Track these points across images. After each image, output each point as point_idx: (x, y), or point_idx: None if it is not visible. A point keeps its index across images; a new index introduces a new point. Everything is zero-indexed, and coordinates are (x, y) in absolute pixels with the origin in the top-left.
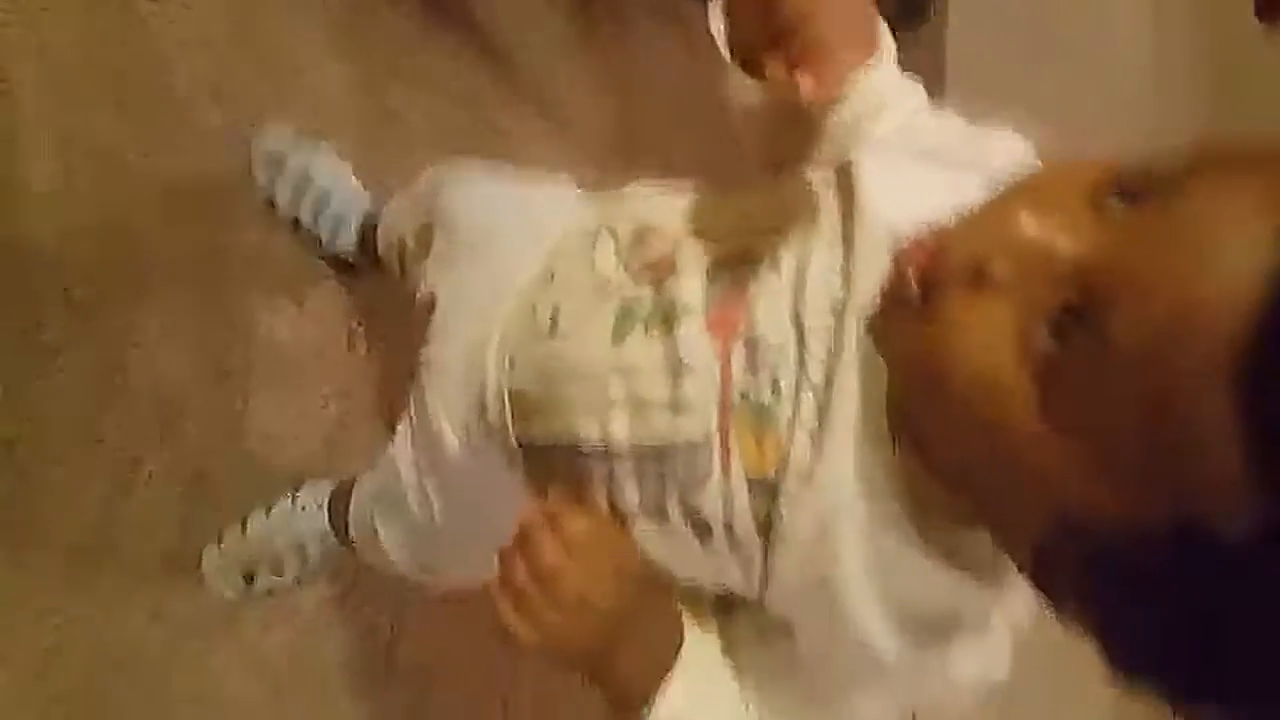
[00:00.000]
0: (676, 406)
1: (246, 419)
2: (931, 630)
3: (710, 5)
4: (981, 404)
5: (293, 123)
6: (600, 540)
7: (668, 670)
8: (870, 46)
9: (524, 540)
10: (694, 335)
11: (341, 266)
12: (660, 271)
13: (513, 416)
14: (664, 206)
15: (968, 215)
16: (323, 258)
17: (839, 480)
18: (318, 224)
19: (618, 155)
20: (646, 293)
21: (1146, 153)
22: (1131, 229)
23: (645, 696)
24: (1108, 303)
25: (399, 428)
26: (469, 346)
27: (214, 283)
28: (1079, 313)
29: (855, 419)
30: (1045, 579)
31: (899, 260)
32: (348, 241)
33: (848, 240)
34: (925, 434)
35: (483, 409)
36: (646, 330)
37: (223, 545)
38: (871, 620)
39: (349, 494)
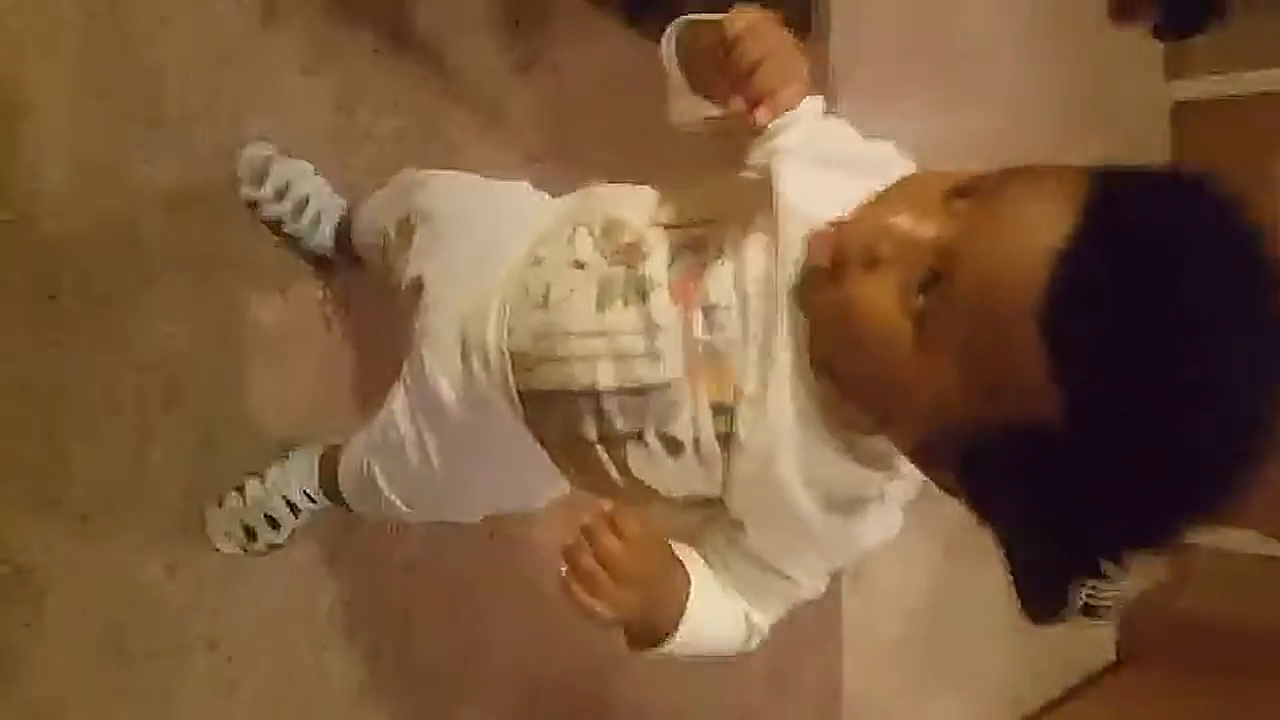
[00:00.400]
0: (653, 356)
1: (242, 393)
2: (847, 506)
3: (664, 46)
4: (878, 344)
5: (274, 136)
6: (644, 532)
7: (685, 606)
8: (802, 86)
9: (590, 536)
10: (663, 303)
11: (319, 262)
12: (631, 256)
13: (514, 371)
14: (625, 203)
15: (860, 211)
16: (302, 255)
17: (779, 404)
18: (298, 225)
19: (553, 161)
20: (620, 272)
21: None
22: (968, 218)
23: (674, 625)
24: (955, 268)
25: (395, 393)
26: (460, 316)
27: (208, 276)
28: (937, 276)
29: (789, 359)
30: (927, 463)
31: (813, 244)
32: (325, 240)
33: (772, 228)
34: (839, 368)
35: (486, 365)
36: (625, 302)
37: (224, 506)
38: (804, 501)
39: (336, 457)
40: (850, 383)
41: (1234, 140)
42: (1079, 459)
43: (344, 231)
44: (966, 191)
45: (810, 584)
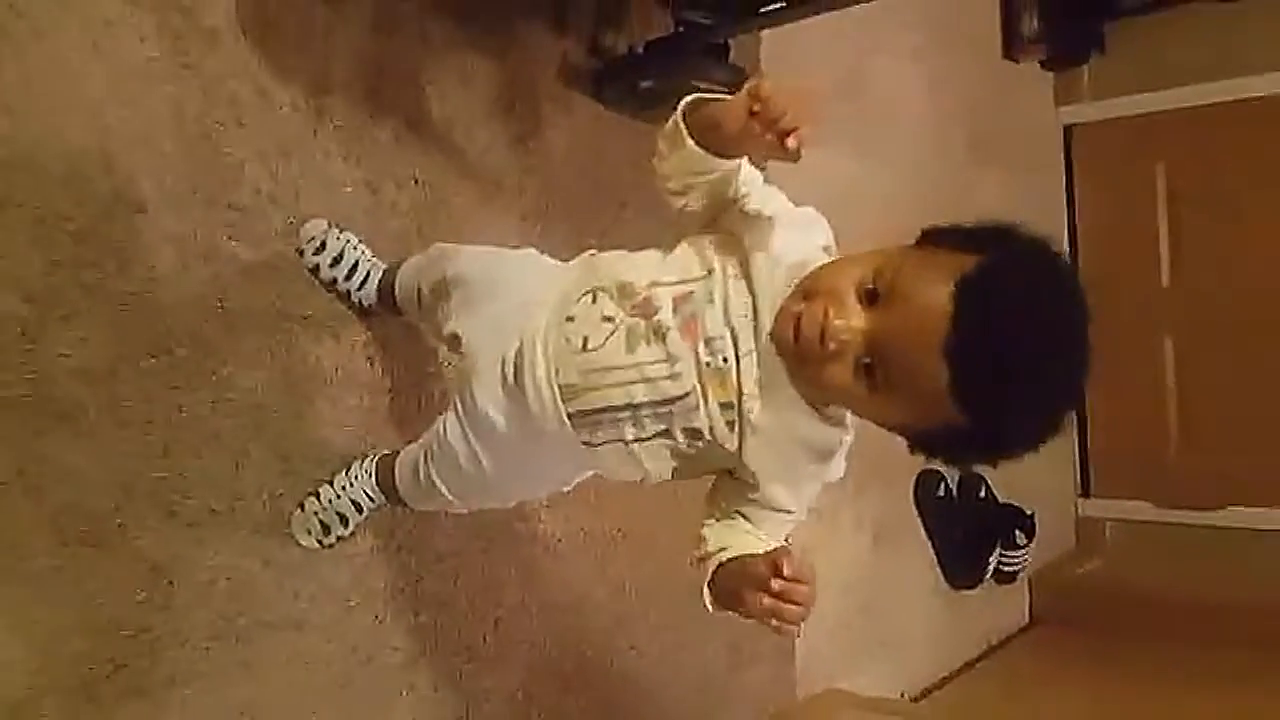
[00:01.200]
0: (674, 377)
1: (309, 419)
2: (822, 456)
3: (673, 120)
4: (845, 398)
5: (324, 213)
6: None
7: None
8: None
9: (787, 590)
10: (676, 340)
11: (364, 313)
12: (646, 310)
13: (563, 400)
14: (628, 268)
15: (808, 303)
16: (350, 307)
17: (774, 394)
18: (348, 284)
19: (541, 219)
20: (640, 322)
21: (881, 254)
22: (879, 316)
23: None
24: (883, 356)
25: (448, 420)
26: (500, 359)
27: (279, 328)
28: (871, 363)
29: (770, 364)
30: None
31: (780, 325)
32: (369, 295)
33: (747, 276)
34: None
35: (539, 397)
36: (647, 343)
37: (304, 509)
38: (797, 457)
39: (389, 464)
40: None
41: (1119, 156)
42: (978, 437)
43: (384, 287)
44: (877, 283)
45: (799, 514)
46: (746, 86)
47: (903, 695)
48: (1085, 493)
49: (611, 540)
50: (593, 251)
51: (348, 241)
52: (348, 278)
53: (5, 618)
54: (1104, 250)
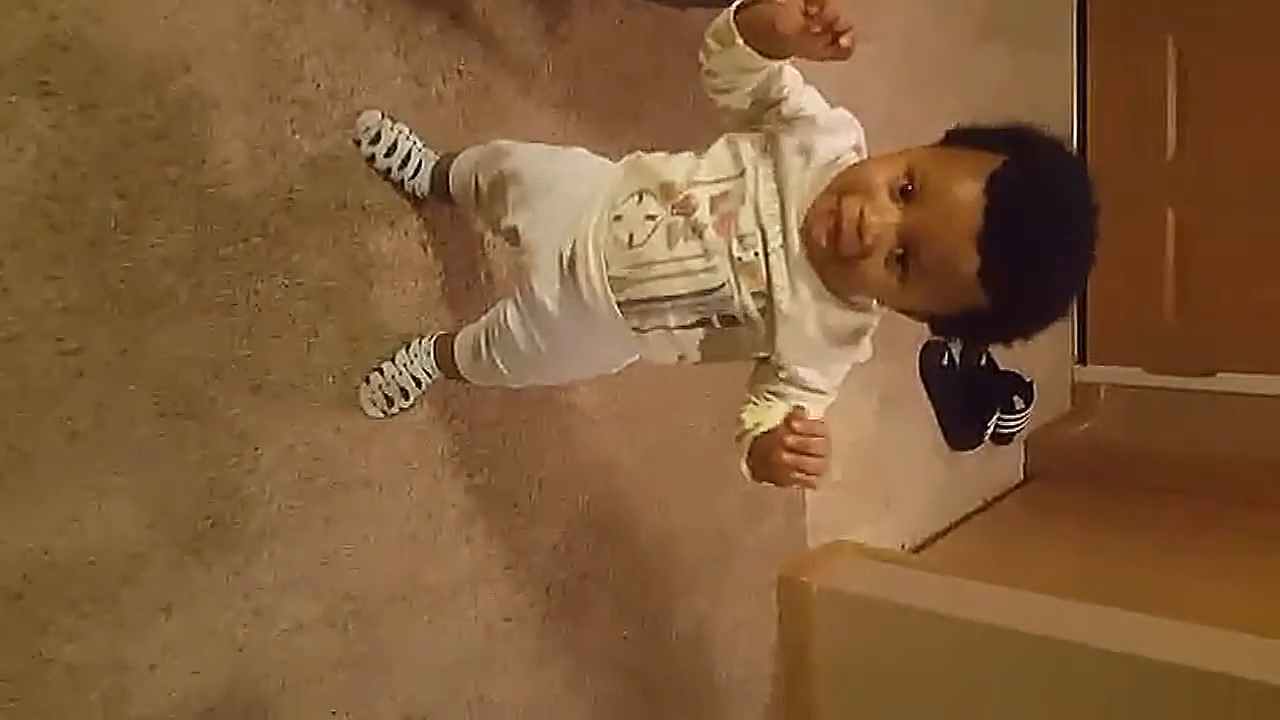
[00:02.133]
0: (710, 270)
1: (371, 302)
2: (850, 338)
3: (723, 17)
4: (877, 289)
5: (378, 105)
6: (824, 424)
7: None
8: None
9: (802, 443)
10: (712, 235)
11: (418, 201)
12: (685, 208)
13: (612, 290)
14: (669, 169)
15: (842, 202)
16: (404, 196)
17: (801, 287)
18: (403, 173)
19: (573, 106)
20: (680, 220)
21: (910, 154)
22: (914, 211)
23: None
24: (916, 248)
25: (506, 307)
26: (556, 252)
27: (341, 216)
28: (905, 249)
29: (798, 257)
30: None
31: (814, 228)
32: (423, 184)
33: (777, 176)
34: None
35: (592, 290)
36: (685, 239)
37: (369, 383)
38: (823, 342)
39: (447, 343)
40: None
41: (1131, 27)
42: (997, 320)
43: (436, 177)
44: (906, 193)
45: (831, 393)
46: None
47: (904, 546)
48: (1082, 359)
49: (640, 410)
50: (638, 153)
51: (400, 132)
52: (401, 167)
53: (121, 479)
54: (1113, 125)
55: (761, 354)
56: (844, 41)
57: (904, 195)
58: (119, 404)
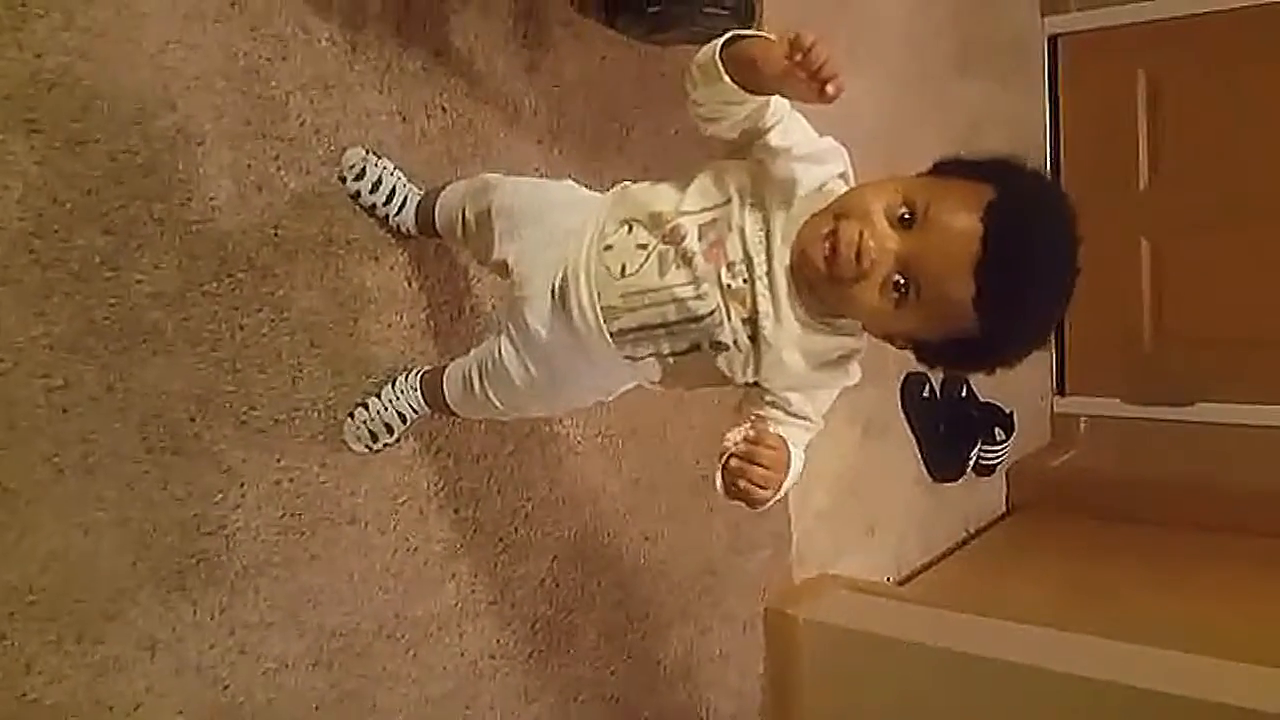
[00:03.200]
0: (700, 297)
1: (357, 335)
2: (836, 363)
3: (710, 51)
4: (869, 316)
5: (362, 141)
6: (779, 446)
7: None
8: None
9: (749, 451)
10: (701, 263)
11: (403, 236)
12: (674, 237)
13: (604, 320)
14: (657, 199)
15: (840, 222)
16: (389, 231)
17: (786, 316)
18: (388, 209)
19: (556, 141)
20: (670, 249)
21: (904, 182)
22: (914, 239)
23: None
24: (916, 276)
25: (500, 340)
26: (548, 284)
27: (327, 252)
28: (903, 280)
29: (785, 286)
30: (889, 341)
31: (810, 253)
32: (407, 219)
33: (762, 204)
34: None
35: (585, 319)
36: (676, 267)
37: (354, 418)
38: (806, 369)
39: (437, 379)
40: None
41: (1102, 65)
42: (983, 348)
43: (421, 212)
44: (906, 219)
45: (820, 421)
46: (787, 37)
47: (889, 579)
48: (1060, 390)
49: (625, 439)
50: (625, 184)
51: (385, 168)
52: (386, 202)
53: (106, 515)
54: (1085, 156)
55: (751, 380)
56: (829, 90)
57: (902, 223)
58: (105, 439)
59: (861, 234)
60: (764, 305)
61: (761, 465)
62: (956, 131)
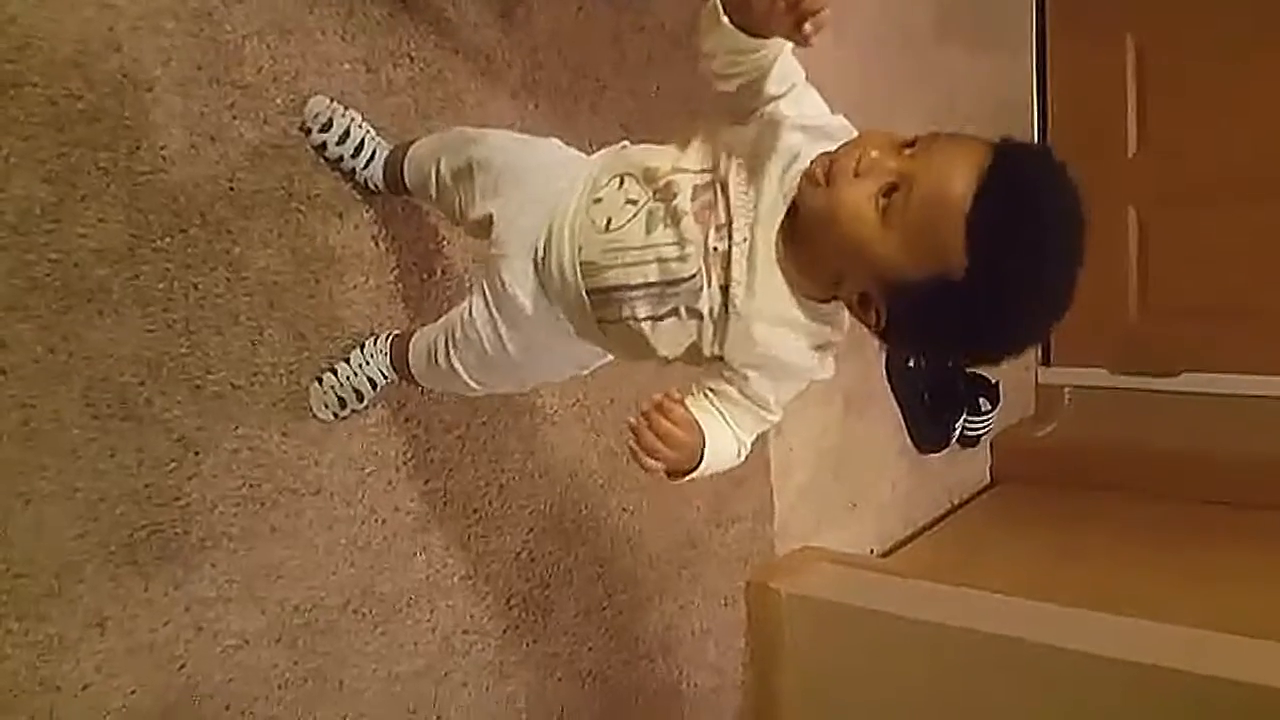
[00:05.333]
0: (683, 259)
1: (321, 296)
2: (805, 351)
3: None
4: (854, 222)
5: (325, 90)
6: (682, 411)
7: (703, 448)
8: (828, 12)
9: (651, 415)
10: (690, 224)
11: (369, 192)
12: (666, 194)
13: (583, 276)
14: (654, 157)
15: (843, 147)
16: (354, 187)
17: (760, 281)
18: (354, 162)
19: (530, 95)
20: (660, 205)
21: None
22: (917, 158)
23: (697, 461)
24: (910, 183)
25: (473, 302)
26: (530, 243)
27: (287, 208)
28: (897, 186)
29: (763, 254)
30: (863, 307)
31: (814, 162)
32: (375, 174)
33: (756, 170)
34: (820, 242)
35: (563, 274)
36: (664, 225)
37: (321, 384)
38: (781, 345)
39: (402, 345)
40: (826, 251)
41: (1090, 27)
42: (967, 301)
43: (390, 166)
44: (912, 143)
45: (778, 412)
46: None
47: (871, 552)
48: (1045, 360)
49: (603, 409)
50: (624, 144)
51: (353, 119)
52: (354, 155)
53: (49, 486)
54: (1072, 122)
55: (717, 353)
56: (806, 28)
57: (908, 145)
58: (47, 405)
59: (866, 151)
60: (737, 272)
61: (654, 432)
62: (939, 98)
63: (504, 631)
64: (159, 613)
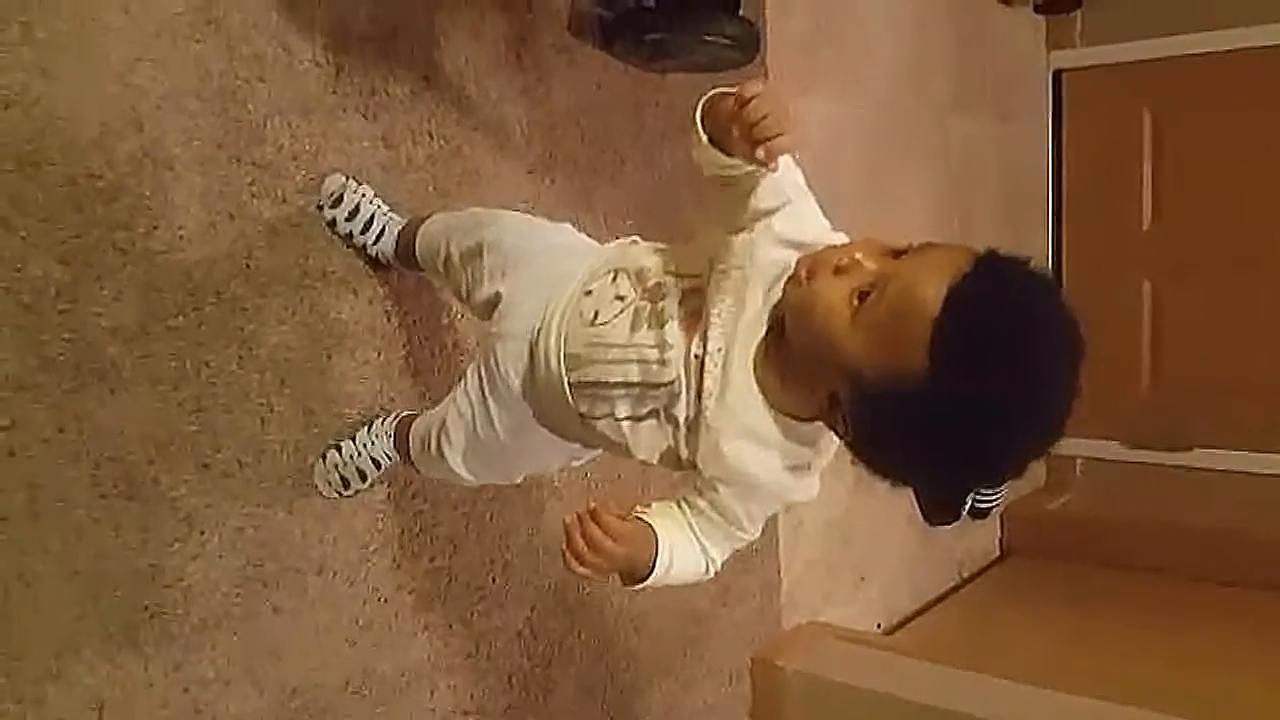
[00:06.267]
0: (663, 364)
1: (331, 372)
2: (781, 472)
3: (696, 114)
4: (827, 316)
5: (343, 168)
6: (616, 520)
7: (655, 557)
8: (793, 139)
9: (582, 523)
10: (674, 329)
11: (380, 267)
12: (655, 295)
13: (567, 369)
14: (650, 255)
15: (832, 248)
16: (366, 261)
17: (733, 394)
18: (365, 238)
19: (547, 172)
20: (647, 305)
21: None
22: (898, 264)
23: (648, 565)
24: (882, 289)
25: (468, 378)
26: (530, 327)
27: (301, 284)
28: (871, 290)
29: (739, 365)
30: (831, 411)
31: (800, 262)
32: (387, 249)
33: (742, 282)
34: (797, 334)
35: (547, 363)
36: (649, 326)
37: (325, 460)
38: (753, 463)
39: (408, 427)
40: (798, 349)
41: (1107, 102)
42: (927, 410)
43: (402, 242)
44: (903, 251)
45: (753, 530)
46: (739, 86)
47: (879, 626)
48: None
49: (608, 485)
50: (635, 239)
51: (364, 195)
52: (364, 231)
53: (50, 566)
54: (1087, 195)
55: (691, 460)
56: (759, 154)
57: (894, 254)
58: (54, 484)
59: (849, 254)
60: (710, 382)
61: (584, 539)
62: (955, 167)
63: (505, 710)
64: (157, 695)
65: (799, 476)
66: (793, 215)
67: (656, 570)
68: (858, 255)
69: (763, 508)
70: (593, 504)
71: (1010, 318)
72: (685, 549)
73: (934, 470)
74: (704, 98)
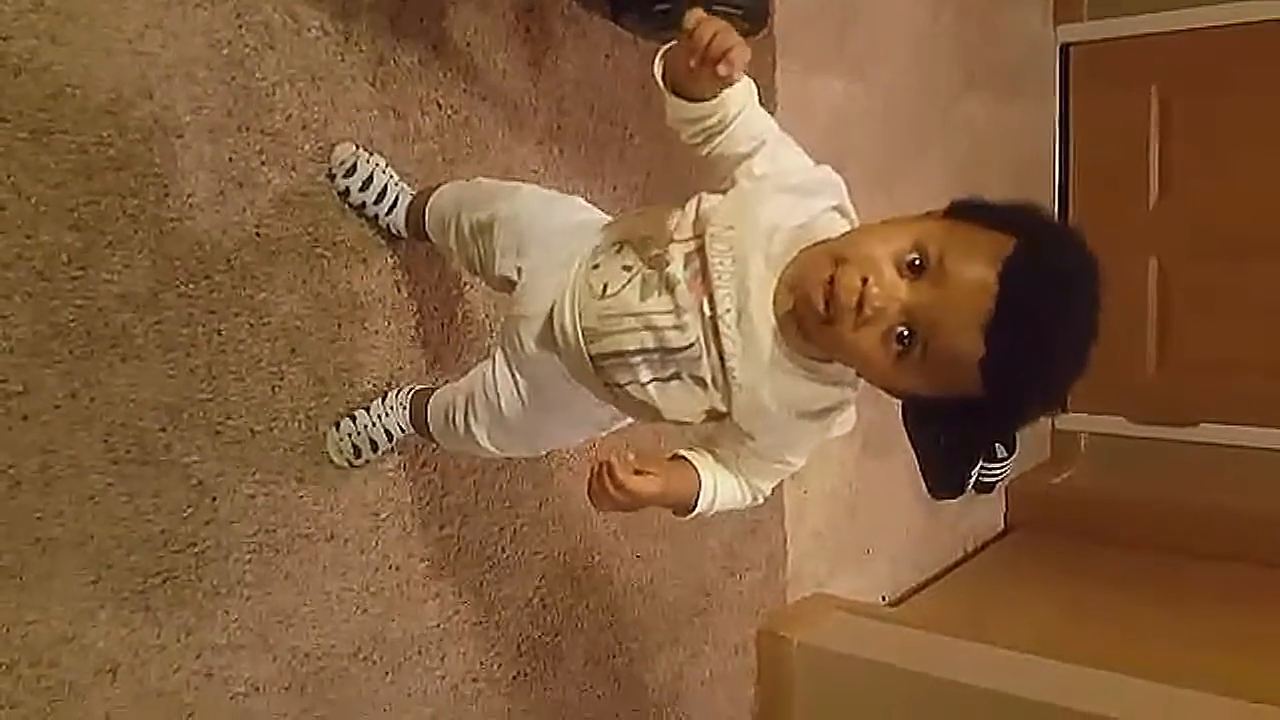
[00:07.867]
0: (680, 328)
1: (342, 342)
2: (818, 414)
3: (656, 69)
4: (865, 365)
5: (352, 137)
6: (630, 472)
7: (695, 486)
8: (745, 48)
9: (605, 465)
10: (684, 292)
11: (393, 237)
12: (659, 262)
13: (585, 341)
14: (651, 222)
15: (840, 266)
16: (378, 231)
17: (758, 355)
18: (378, 209)
19: (555, 143)
20: (654, 274)
21: (918, 226)
22: (923, 289)
23: (690, 498)
24: (922, 330)
25: (494, 357)
26: (548, 302)
27: (312, 254)
28: (910, 329)
29: (759, 323)
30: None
31: (811, 291)
32: (398, 220)
33: (738, 237)
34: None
35: (566, 339)
36: (658, 293)
37: (338, 429)
38: (782, 415)
39: (422, 400)
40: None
41: (1114, 76)
42: (988, 409)
43: (413, 213)
44: (916, 265)
45: (798, 462)
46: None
47: (884, 599)
48: (1063, 407)
49: (619, 455)
50: (640, 211)
51: (377, 165)
52: (377, 201)
53: (63, 531)
54: (1095, 171)
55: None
56: (719, 70)
57: (911, 269)
58: (67, 450)
59: (865, 281)
60: (729, 345)
61: (613, 479)
62: (964, 147)
63: (513, 679)
64: (170, 660)
65: (835, 415)
66: (773, 156)
67: (701, 502)
68: (872, 288)
69: (805, 444)
70: (630, 456)
71: (1052, 329)
72: (724, 481)
73: (990, 434)
74: (659, 54)
